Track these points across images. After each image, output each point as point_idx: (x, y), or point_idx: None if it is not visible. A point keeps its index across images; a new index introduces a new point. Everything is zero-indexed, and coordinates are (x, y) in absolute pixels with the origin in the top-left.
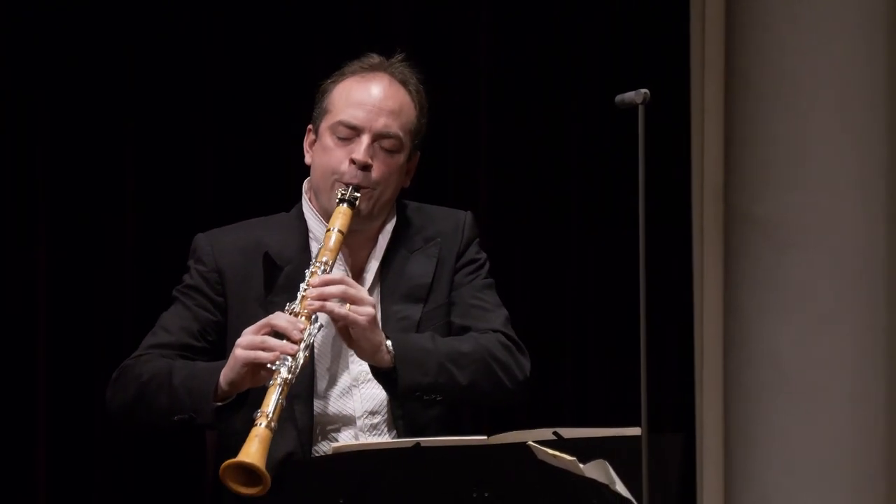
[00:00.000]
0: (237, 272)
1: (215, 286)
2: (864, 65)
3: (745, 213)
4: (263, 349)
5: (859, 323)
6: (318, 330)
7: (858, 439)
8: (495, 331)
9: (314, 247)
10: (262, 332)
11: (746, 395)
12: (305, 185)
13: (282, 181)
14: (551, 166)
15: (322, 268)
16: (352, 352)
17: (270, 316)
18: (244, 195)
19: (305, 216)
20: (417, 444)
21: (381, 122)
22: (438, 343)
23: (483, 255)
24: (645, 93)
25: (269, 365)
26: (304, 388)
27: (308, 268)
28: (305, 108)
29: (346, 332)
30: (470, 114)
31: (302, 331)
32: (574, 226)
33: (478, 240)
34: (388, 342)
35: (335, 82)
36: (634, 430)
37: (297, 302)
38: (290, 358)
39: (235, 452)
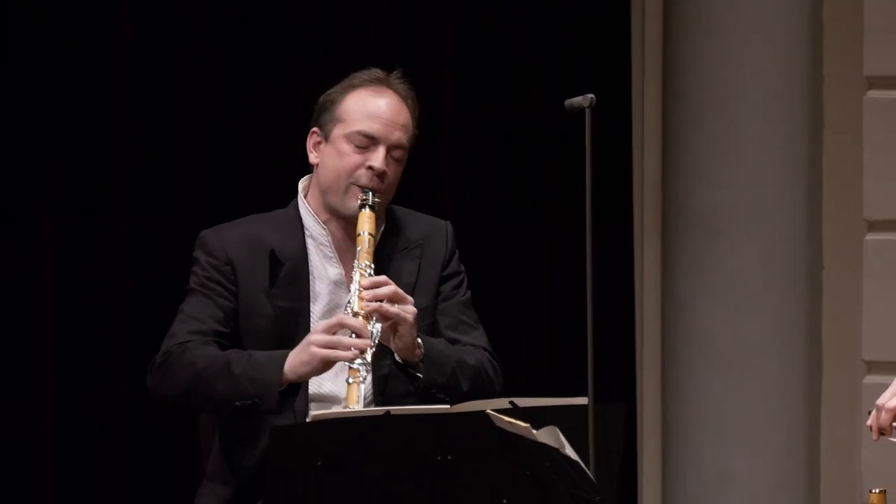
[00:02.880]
0: (244, 264)
1: (229, 276)
2: (787, 75)
3: (681, 206)
4: (342, 348)
5: (782, 304)
6: (380, 328)
7: (782, 407)
8: (484, 349)
9: (310, 243)
10: (334, 331)
11: (682, 369)
12: (302, 184)
13: (272, 180)
14: (507, 164)
15: (367, 270)
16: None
17: (341, 317)
18: (235, 189)
19: (302, 214)
20: (387, 412)
21: (395, 136)
22: (451, 350)
23: (463, 269)
24: (591, 98)
25: (349, 364)
26: None
27: (338, 269)
28: (291, 109)
29: (394, 329)
30: (434, 113)
31: (371, 330)
32: (527, 219)
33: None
34: (419, 339)
35: (344, 93)
36: (582, 400)
37: (355, 303)
38: (367, 355)
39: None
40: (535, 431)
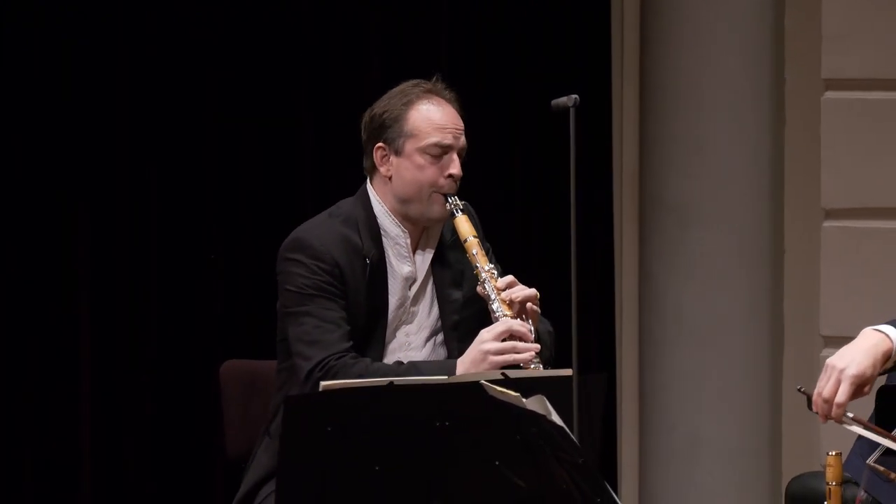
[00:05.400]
0: (347, 266)
1: (339, 278)
2: (752, 78)
3: (656, 196)
4: (517, 352)
5: (748, 285)
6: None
7: (747, 377)
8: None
9: (386, 243)
10: (503, 337)
11: (656, 343)
12: (371, 188)
13: (282, 177)
14: (497, 159)
15: (494, 272)
16: (412, 325)
17: (507, 321)
18: (249, 187)
19: (377, 214)
20: (391, 382)
21: (462, 141)
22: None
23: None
24: (575, 98)
25: (521, 364)
26: (376, 345)
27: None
28: (300, 112)
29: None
30: None
31: (529, 330)
32: (517, 208)
33: None
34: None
35: (406, 108)
36: (567, 372)
37: (502, 305)
38: (537, 353)
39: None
40: (524, 400)
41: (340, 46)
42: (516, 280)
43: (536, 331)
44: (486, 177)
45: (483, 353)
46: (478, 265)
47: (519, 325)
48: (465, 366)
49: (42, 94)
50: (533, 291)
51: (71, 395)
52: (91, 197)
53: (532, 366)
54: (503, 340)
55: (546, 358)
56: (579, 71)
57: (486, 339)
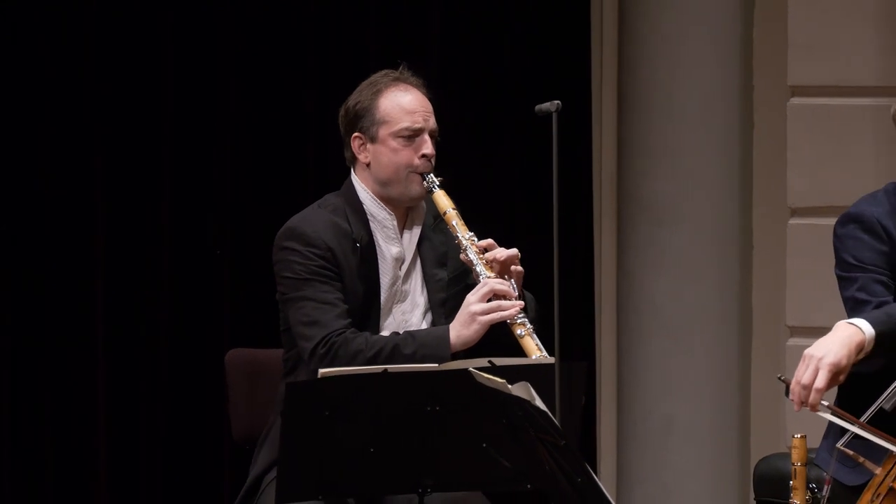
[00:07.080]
0: (339, 250)
1: (332, 262)
2: (722, 85)
3: (633, 196)
4: (502, 310)
5: (717, 279)
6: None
7: (718, 365)
8: None
9: (374, 227)
10: (488, 297)
11: (633, 334)
12: (355, 177)
13: (291, 173)
14: (484, 161)
15: (473, 239)
16: (406, 304)
17: (489, 282)
18: (258, 182)
19: (363, 201)
20: (385, 370)
21: (432, 122)
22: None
23: None
24: (558, 104)
25: (508, 321)
26: (373, 325)
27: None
28: (303, 115)
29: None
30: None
31: (512, 287)
32: (502, 207)
33: None
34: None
35: (375, 97)
36: (550, 360)
37: (484, 268)
38: (522, 310)
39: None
40: (509, 386)
41: (340, 54)
42: (494, 242)
43: (520, 288)
44: (472, 177)
45: (471, 315)
46: (458, 234)
47: (500, 284)
48: (457, 329)
49: (59, 89)
50: (514, 251)
51: (87, 382)
52: (107, 195)
53: (518, 320)
54: (489, 301)
55: (530, 319)
56: (561, 79)
57: (471, 301)
